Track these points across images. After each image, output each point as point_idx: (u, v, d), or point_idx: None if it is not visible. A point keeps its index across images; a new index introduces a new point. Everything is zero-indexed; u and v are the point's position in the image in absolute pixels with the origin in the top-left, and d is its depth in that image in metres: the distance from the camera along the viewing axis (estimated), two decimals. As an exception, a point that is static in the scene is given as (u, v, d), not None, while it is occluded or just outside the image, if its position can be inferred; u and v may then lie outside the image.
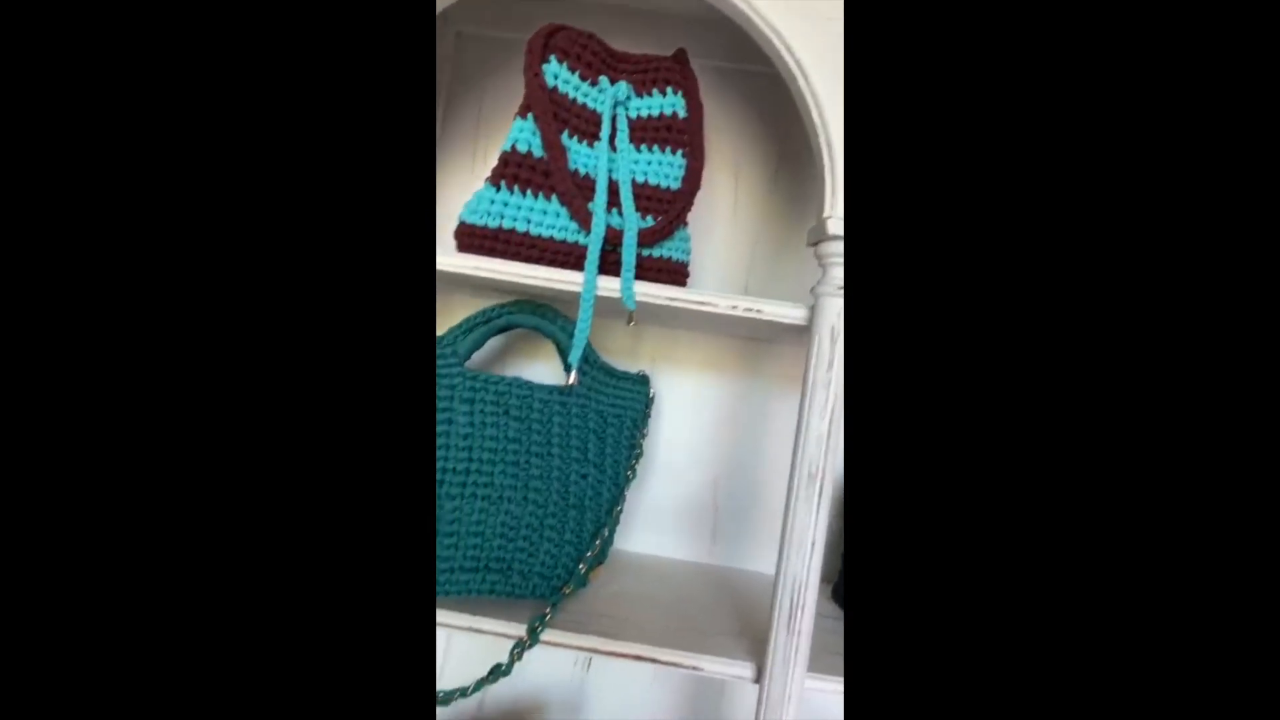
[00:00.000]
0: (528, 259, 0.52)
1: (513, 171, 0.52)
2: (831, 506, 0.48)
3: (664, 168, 0.54)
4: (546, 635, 0.49)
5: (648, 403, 0.58)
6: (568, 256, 0.52)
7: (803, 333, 0.50)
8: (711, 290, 0.50)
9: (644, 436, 0.58)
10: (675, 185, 0.54)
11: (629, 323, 0.55)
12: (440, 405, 0.52)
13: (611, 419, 0.56)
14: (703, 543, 0.74)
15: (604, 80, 0.54)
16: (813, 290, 0.48)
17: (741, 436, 0.73)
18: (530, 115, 0.52)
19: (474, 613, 0.50)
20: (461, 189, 0.74)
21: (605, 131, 0.53)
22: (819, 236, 0.48)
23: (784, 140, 0.73)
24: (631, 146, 0.54)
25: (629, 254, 0.50)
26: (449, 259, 0.50)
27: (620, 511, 0.56)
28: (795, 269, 0.72)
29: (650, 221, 0.53)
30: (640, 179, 0.54)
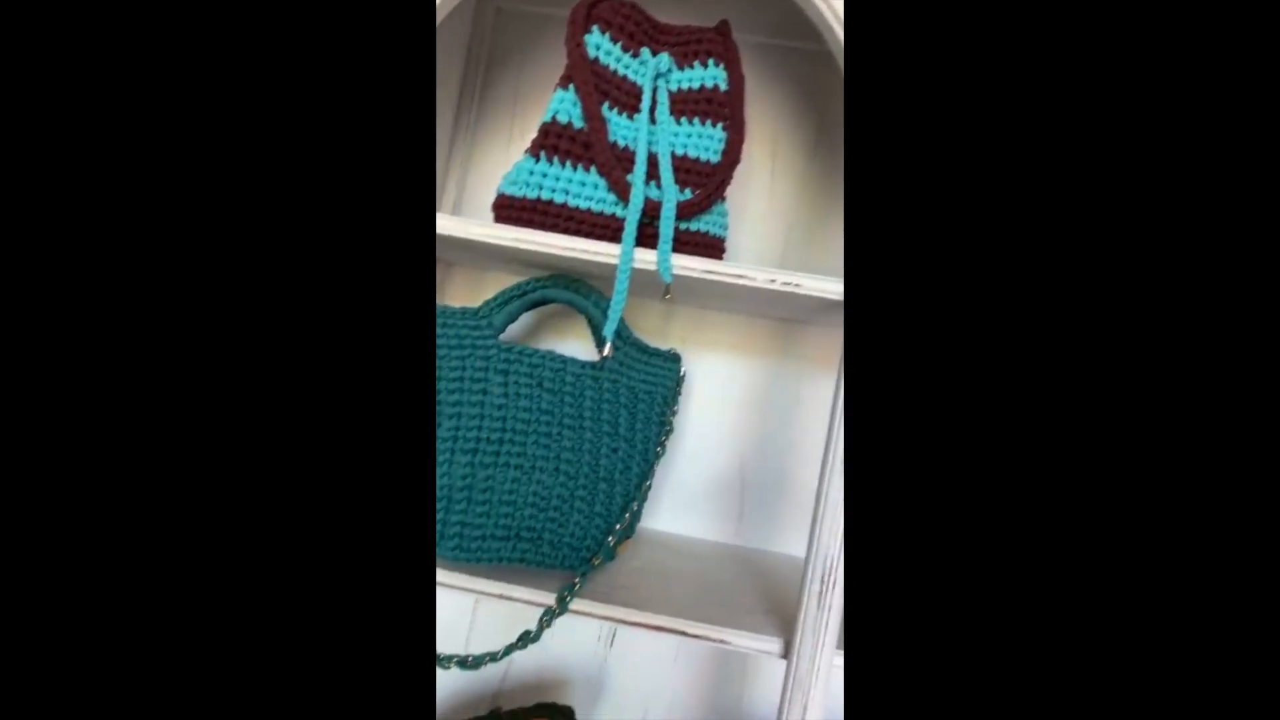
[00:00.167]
0: (565, 231, 0.52)
1: (553, 142, 0.52)
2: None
3: (704, 140, 0.54)
4: (575, 605, 0.50)
5: (679, 380, 0.58)
6: (605, 229, 0.52)
7: (838, 309, 0.49)
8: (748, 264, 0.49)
9: (674, 414, 0.58)
10: (715, 158, 0.54)
11: (665, 295, 0.55)
12: (475, 376, 0.52)
13: (643, 395, 0.56)
14: (729, 523, 0.73)
15: (645, 52, 0.54)
16: (852, 266, 0.47)
17: (770, 418, 0.73)
18: (571, 86, 0.52)
19: (506, 580, 0.51)
20: (497, 164, 0.75)
21: (645, 104, 0.53)
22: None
23: (822, 116, 0.72)
24: (671, 119, 0.53)
25: (666, 226, 0.49)
26: (487, 229, 0.51)
27: (649, 487, 0.56)
28: (831, 247, 0.71)
29: (689, 194, 0.53)
30: (680, 151, 0.53)
